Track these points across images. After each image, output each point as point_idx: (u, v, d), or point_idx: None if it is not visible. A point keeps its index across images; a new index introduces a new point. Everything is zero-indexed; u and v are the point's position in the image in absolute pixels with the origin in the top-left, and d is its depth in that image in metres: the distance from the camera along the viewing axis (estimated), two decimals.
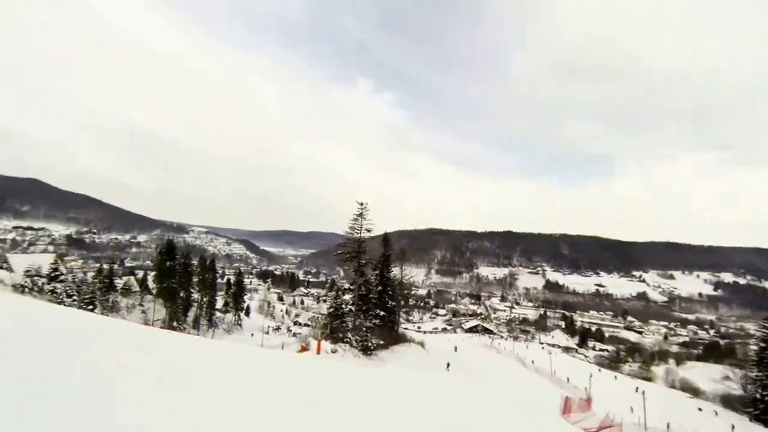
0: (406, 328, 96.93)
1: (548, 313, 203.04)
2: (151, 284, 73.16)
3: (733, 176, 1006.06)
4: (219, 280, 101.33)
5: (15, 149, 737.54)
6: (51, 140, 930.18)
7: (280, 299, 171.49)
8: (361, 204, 44.59)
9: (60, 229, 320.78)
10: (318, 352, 31.93)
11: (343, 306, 44.68)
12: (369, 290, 45.84)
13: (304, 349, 35.09)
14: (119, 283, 69.91)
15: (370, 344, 37.01)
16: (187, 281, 68.32)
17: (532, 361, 60.26)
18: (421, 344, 46.81)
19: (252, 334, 79.59)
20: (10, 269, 55.35)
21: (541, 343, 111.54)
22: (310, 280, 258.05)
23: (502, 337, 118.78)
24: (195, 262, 75.09)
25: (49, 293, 47.17)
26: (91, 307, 48.04)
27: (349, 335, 37.71)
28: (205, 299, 73.91)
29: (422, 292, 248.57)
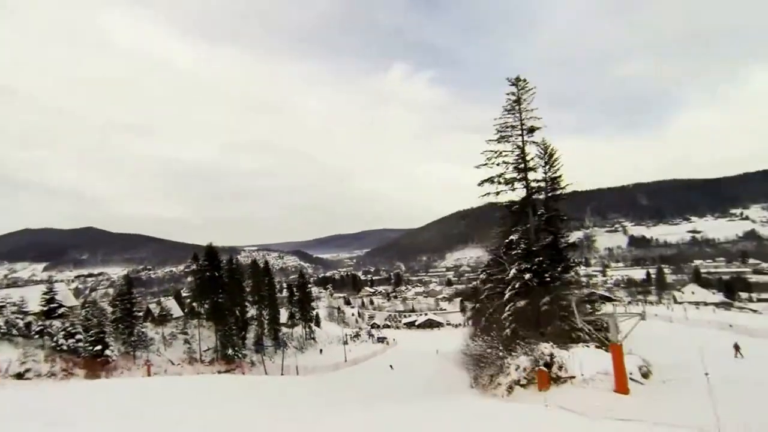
0: None
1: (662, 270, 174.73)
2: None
3: None
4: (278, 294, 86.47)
5: (73, 203, 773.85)
6: (102, 188, 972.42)
7: (348, 303, 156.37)
8: (517, 81, 26.20)
9: (118, 271, 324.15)
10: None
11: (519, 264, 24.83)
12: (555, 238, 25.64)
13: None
14: (155, 310, 55.29)
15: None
16: (238, 293, 52.53)
17: None
18: None
19: (321, 350, 63.22)
20: None
21: (679, 302, 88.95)
22: (374, 278, 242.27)
23: (626, 302, 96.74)
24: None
25: (38, 335, 32.03)
26: (99, 347, 32.38)
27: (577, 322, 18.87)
28: (265, 314, 57.89)
29: None
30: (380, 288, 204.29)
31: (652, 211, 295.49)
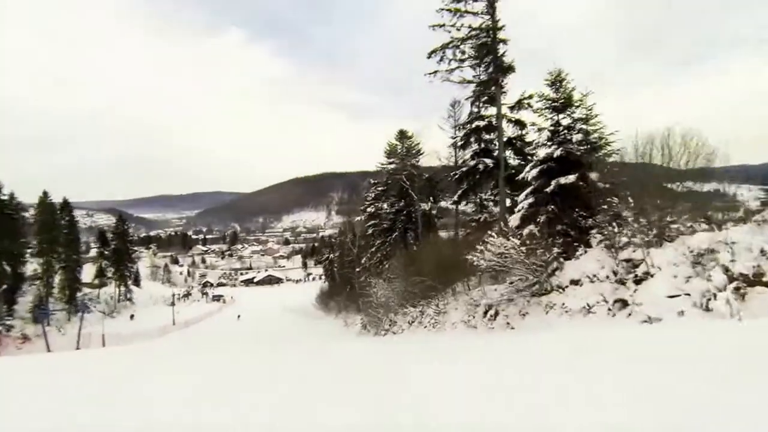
0: None
1: None
2: None
3: None
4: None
5: None
6: None
7: (176, 262, 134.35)
8: None
9: None
10: None
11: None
12: None
13: None
14: None
15: None
16: (10, 237, 34.90)
17: None
18: None
19: (132, 316, 48.34)
20: None
21: None
22: (207, 237, 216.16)
23: None
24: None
25: None
26: None
27: None
28: (57, 268, 40.90)
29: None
30: (214, 247, 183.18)
31: None
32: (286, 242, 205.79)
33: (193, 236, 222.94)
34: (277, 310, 55.74)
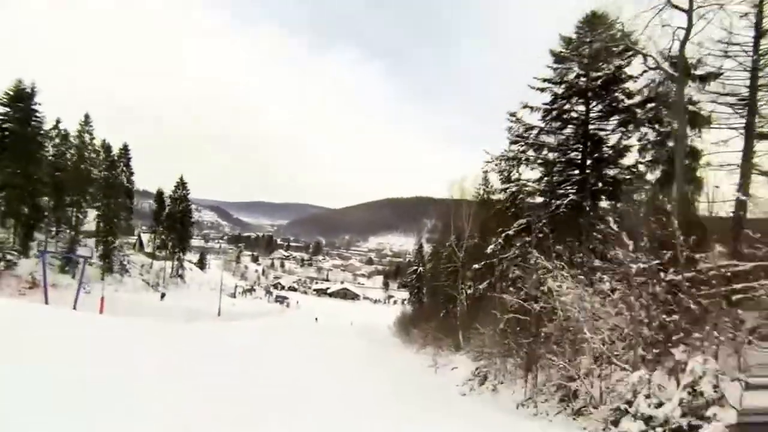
0: None
1: None
2: None
3: None
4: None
5: None
6: None
7: (255, 260, 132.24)
8: None
9: None
10: None
11: None
12: None
13: None
14: None
15: None
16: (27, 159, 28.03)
17: None
18: None
19: (163, 295, 38.66)
20: None
21: None
22: (291, 243, 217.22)
23: None
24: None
25: None
26: None
27: None
28: (90, 215, 34.03)
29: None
30: (296, 254, 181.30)
31: None
32: (370, 262, 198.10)
33: (279, 242, 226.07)
34: (344, 327, 45.03)
